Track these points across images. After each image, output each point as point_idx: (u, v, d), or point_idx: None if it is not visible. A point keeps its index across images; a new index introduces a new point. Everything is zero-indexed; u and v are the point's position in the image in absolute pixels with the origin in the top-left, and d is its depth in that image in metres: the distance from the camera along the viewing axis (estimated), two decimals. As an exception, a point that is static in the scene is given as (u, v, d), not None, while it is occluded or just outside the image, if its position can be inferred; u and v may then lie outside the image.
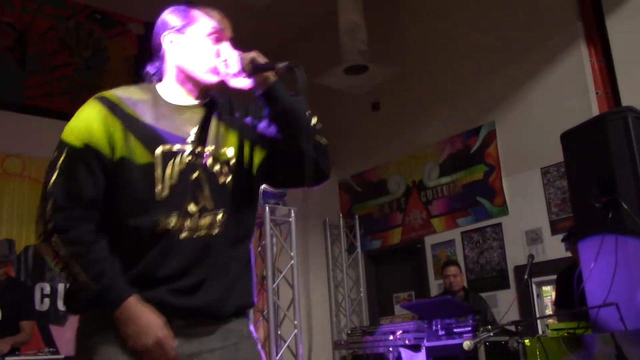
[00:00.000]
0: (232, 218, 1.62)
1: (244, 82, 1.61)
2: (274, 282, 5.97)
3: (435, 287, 6.44)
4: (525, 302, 5.40)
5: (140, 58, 7.52)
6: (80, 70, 6.92)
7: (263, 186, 1.78)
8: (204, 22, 1.69)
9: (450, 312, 4.62)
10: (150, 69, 1.75)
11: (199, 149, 1.62)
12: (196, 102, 1.70)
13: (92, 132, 1.55)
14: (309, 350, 6.82)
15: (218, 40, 1.69)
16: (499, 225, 5.94)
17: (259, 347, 1.70)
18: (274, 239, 6.14)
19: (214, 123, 1.68)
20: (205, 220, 1.58)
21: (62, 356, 4.54)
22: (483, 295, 5.84)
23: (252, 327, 1.71)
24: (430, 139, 6.67)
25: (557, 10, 5.61)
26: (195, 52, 1.67)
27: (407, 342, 4.62)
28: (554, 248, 5.39)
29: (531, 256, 4.33)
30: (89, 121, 1.57)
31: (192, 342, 1.56)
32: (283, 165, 1.67)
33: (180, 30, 1.69)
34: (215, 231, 1.59)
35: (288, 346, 5.92)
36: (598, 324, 3.14)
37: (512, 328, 3.77)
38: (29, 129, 5.72)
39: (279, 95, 1.59)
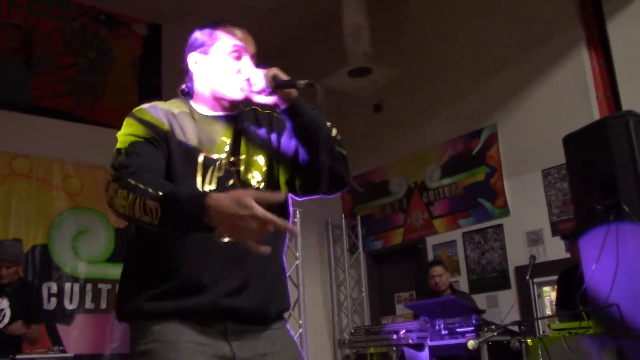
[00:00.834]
0: None
1: (267, 99, 1.71)
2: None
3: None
4: (526, 303, 5.46)
5: (144, 59, 7.58)
6: (85, 71, 6.98)
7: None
8: (226, 41, 1.77)
9: (453, 311, 4.68)
10: (183, 88, 1.85)
11: (232, 157, 1.72)
12: (226, 114, 1.80)
13: (148, 125, 1.66)
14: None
15: (239, 57, 1.77)
16: (500, 226, 6.00)
17: (300, 349, 1.79)
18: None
19: (244, 134, 1.77)
20: None
21: (71, 355, 4.60)
22: (484, 295, 5.92)
23: (291, 331, 1.80)
24: (432, 141, 6.73)
25: (559, 14, 5.68)
26: (219, 71, 1.77)
27: (410, 341, 4.67)
28: (555, 249, 5.46)
29: (533, 257, 4.41)
30: (142, 118, 1.69)
31: (245, 348, 1.63)
32: (305, 175, 1.75)
33: (203, 50, 1.79)
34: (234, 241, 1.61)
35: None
36: (602, 324, 3.20)
37: (515, 328, 3.84)
38: (36, 129, 5.77)
39: (302, 109, 1.69)
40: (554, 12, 5.71)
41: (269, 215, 1.38)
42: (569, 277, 4.76)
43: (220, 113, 1.79)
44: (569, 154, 3.72)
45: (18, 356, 4.20)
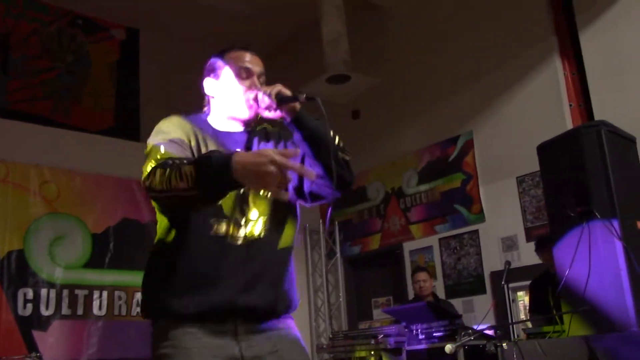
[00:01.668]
0: (274, 226, 1.87)
1: (274, 114, 1.88)
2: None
3: (413, 292, 6.57)
4: (501, 307, 5.55)
5: (122, 63, 7.56)
6: (62, 75, 6.93)
7: None
8: (234, 65, 1.96)
9: (431, 316, 4.74)
10: (206, 110, 2.04)
11: None
12: (239, 130, 1.98)
13: (177, 129, 1.86)
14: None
15: (247, 78, 1.95)
16: (476, 232, 6.10)
17: (305, 347, 1.92)
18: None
19: (255, 146, 1.95)
20: (251, 228, 1.83)
21: (48, 361, 4.56)
22: (460, 300, 6.00)
23: (296, 329, 1.93)
24: (410, 147, 6.82)
25: (533, 25, 5.80)
26: (229, 92, 1.95)
27: (388, 346, 4.72)
28: (529, 254, 5.55)
29: (508, 262, 4.48)
30: (173, 123, 1.89)
31: (252, 347, 1.79)
32: (312, 183, 1.91)
33: (215, 75, 1.98)
34: (261, 236, 1.83)
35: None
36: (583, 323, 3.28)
37: (491, 332, 3.90)
38: (12, 133, 5.70)
39: (306, 120, 1.87)
40: (528, 23, 5.84)
41: (285, 159, 1.56)
42: (540, 284, 4.86)
43: (235, 129, 1.97)
44: (543, 161, 3.81)
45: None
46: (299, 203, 1.99)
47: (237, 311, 1.76)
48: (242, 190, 1.82)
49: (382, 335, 4.81)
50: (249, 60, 1.96)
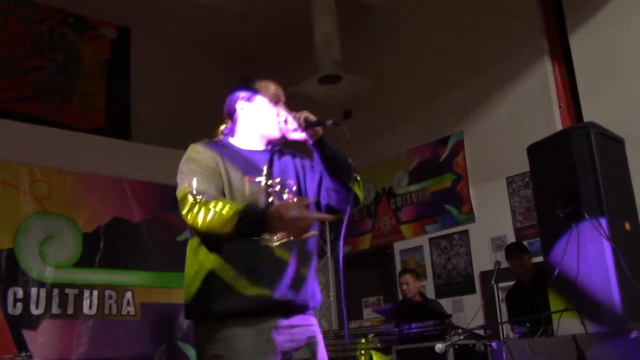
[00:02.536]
0: None
1: (300, 135, 2.16)
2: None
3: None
4: (490, 306, 5.58)
5: (113, 62, 7.54)
6: (52, 73, 6.91)
7: None
8: (266, 91, 2.26)
9: (420, 316, 4.77)
10: (224, 130, 2.31)
11: (270, 180, 2.17)
12: (263, 148, 2.26)
13: (206, 157, 2.11)
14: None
15: (277, 104, 2.25)
16: (466, 232, 6.14)
17: (323, 344, 2.18)
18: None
19: (276, 162, 2.24)
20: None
21: (38, 360, 4.54)
22: (450, 300, 6.03)
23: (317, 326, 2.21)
24: (401, 148, 6.84)
25: (524, 26, 5.85)
26: (262, 114, 2.24)
27: (378, 345, 4.75)
28: (519, 254, 5.60)
29: (498, 262, 4.51)
30: (200, 151, 2.14)
31: (288, 341, 2.05)
32: (329, 196, 2.20)
33: (248, 99, 2.26)
34: (290, 239, 2.05)
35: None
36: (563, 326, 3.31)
37: (481, 332, 3.94)
38: (2, 132, 5.66)
39: (326, 143, 2.16)
40: (519, 25, 5.88)
41: (310, 213, 1.93)
42: (516, 294, 4.91)
43: (260, 148, 2.25)
44: (533, 162, 3.84)
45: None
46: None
47: (279, 308, 2.02)
48: (270, 199, 2.12)
49: (372, 335, 4.84)
50: (277, 89, 2.28)
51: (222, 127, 2.32)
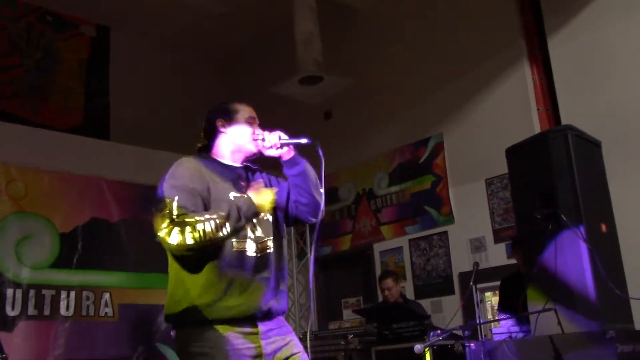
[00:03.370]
0: (276, 242, 2.39)
1: (274, 152, 2.44)
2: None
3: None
4: (469, 307, 5.62)
5: (92, 61, 7.46)
6: (31, 72, 6.82)
7: None
8: (243, 113, 2.51)
9: (400, 317, 4.79)
10: (203, 147, 2.53)
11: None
12: (239, 165, 2.50)
13: (189, 175, 2.29)
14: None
15: (252, 124, 2.50)
16: (445, 233, 6.17)
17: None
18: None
19: (251, 177, 2.47)
20: (262, 244, 2.33)
21: (14, 362, 4.48)
22: (429, 300, 6.06)
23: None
24: (381, 149, 6.86)
25: (503, 30, 5.89)
26: (241, 132, 2.48)
27: (357, 346, 4.75)
28: (497, 256, 5.65)
29: (476, 264, 4.54)
30: (188, 169, 2.32)
31: (271, 344, 2.25)
32: (296, 208, 2.48)
33: (229, 118, 2.49)
34: (270, 251, 2.34)
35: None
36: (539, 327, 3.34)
37: (460, 332, 3.96)
38: (-22, 131, 5.60)
39: (298, 160, 2.47)
40: (498, 28, 5.92)
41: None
42: (511, 283, 4.94)
43: (237, 164, 2.49)
44: (511, 164, 3.88)
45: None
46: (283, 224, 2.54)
47: (261, 313, 2.23)
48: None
49: (351, 336, 4.85)
50: (251, 111, 2.54)
51: (199, 144, 2.54)
